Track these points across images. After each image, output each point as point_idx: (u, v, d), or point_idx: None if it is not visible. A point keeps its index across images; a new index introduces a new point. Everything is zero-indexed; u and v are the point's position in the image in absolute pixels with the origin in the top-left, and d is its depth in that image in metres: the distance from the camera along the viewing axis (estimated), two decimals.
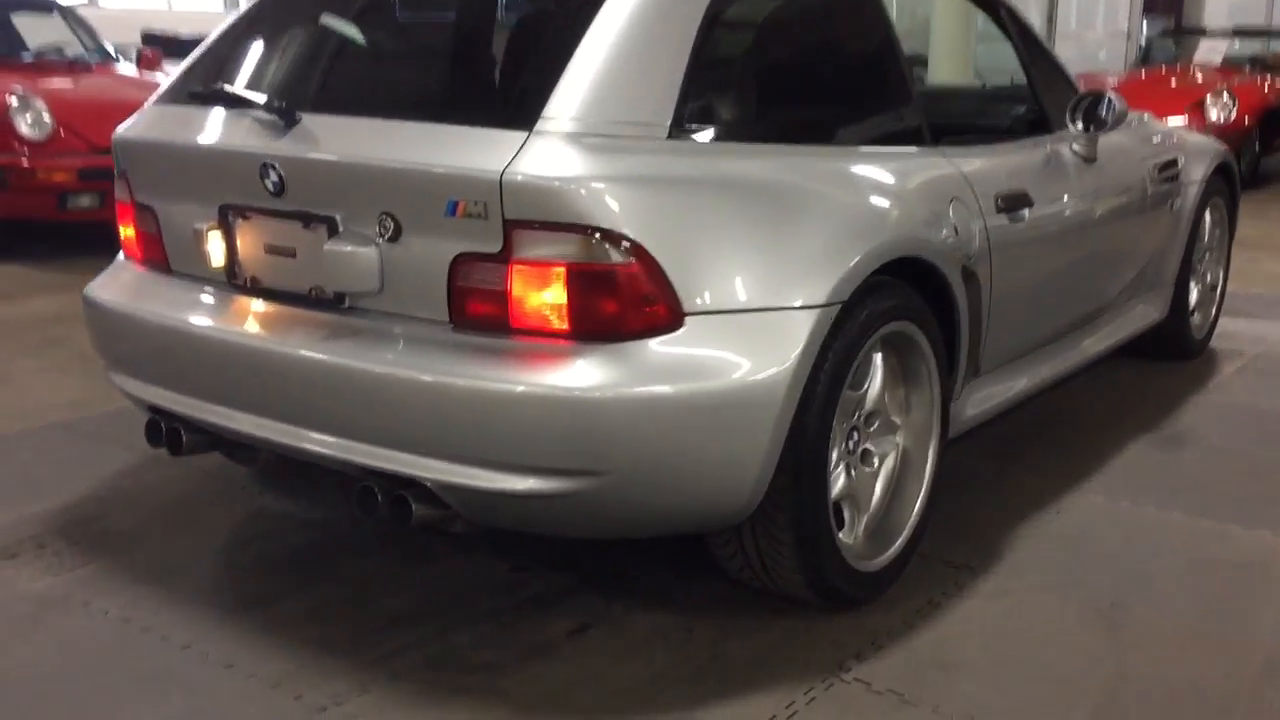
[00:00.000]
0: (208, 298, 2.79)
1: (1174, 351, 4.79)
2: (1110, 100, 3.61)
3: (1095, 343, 4.00)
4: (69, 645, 2.61)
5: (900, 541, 2.85)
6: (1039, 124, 3.72)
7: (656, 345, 2.31)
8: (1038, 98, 3.76)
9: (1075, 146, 3.70)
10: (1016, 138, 3.61)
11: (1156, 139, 4.39)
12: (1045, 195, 3.44)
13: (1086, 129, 3.64)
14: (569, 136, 2.32)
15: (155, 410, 2.86)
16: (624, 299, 2.30)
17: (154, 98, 3.02)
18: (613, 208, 2.28)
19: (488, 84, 2.58)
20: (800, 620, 2.70)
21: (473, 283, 2.38)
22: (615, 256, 2.28)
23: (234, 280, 2.74)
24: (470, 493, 2.36)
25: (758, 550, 2.61)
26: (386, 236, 2.44)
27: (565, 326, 2.32)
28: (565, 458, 2.30)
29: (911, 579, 2.87)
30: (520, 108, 2.39)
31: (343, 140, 2.51)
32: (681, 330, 2.33)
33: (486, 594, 2.83)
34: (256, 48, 3.02)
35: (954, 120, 3.78)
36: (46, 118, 6.73)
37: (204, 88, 2.83)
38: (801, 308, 2.44)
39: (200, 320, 2.74)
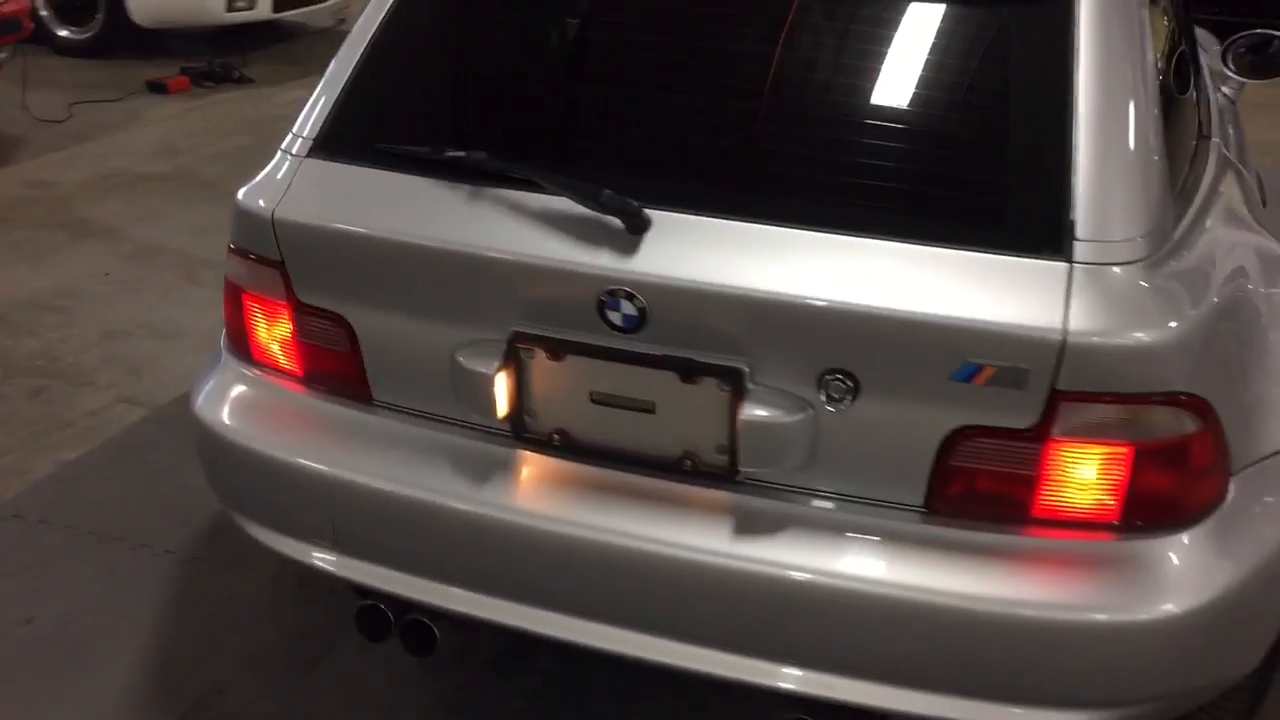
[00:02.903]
0: (471, 452, 1.96)
1: None
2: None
3: None
4: None
5: None
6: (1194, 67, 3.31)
7: (1214, 526, 1.79)
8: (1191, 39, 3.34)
9: (1227, 91, 3.33)
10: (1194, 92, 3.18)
11: None
12: None
13: (1250, 74, 3.26)
14: (1113, 269, 1.69)
15: (369, 593, 2.05)
16: (1189, 476, 1.76)
17: (302, 143, 2.04)
18: (1185, 364, 1.70)
19: (956, 173, 1.82)
20: None
21: (980, 463, 1.75)
22: (1188, 425, 1.72)
23: (526, 433, 1.93)
24: None
25: None
26: (836, 401, 1.75)
27: (1113, 517, 1.75)
28: (1137, 689, 1.78)
29: None
30: (1034, 223, 1.72)
31: (752, 262, 1.74)
32: (1230, 498, 1.83)
33: None
34: (502, 64, 2.09)
35: None
36: None
37: (432, 147, 1.91)
38: None
39: (473, 487, 1.92)
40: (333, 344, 2.03)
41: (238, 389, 2.14)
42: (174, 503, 2.98)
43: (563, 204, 1.82)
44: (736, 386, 1.78)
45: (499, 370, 1.88)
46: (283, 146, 2.07)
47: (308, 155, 2.02)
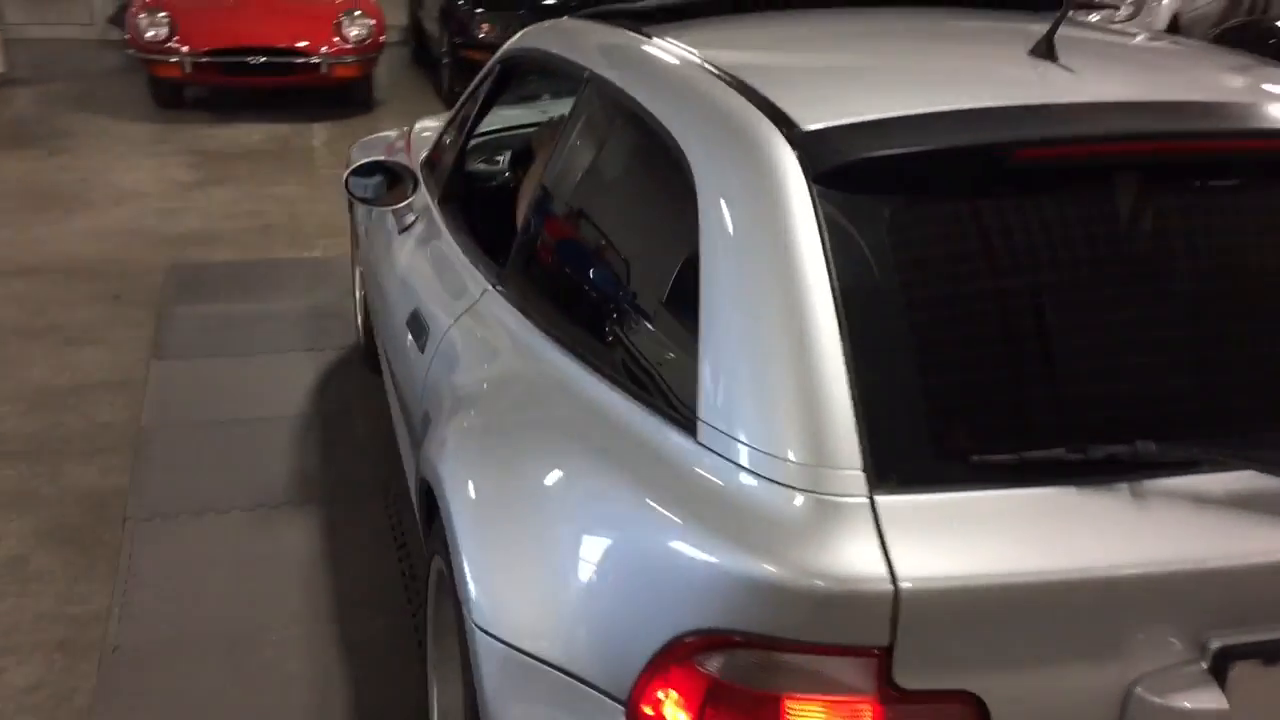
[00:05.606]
0: None
1: None
2: None
3: None
4: None
5: None
6: None
7: None
8: None
9: None
10: None
11: None
12: None
13: None
14: None
15: None
16: None
17: (842, 477, 1.49)
18: None
19: None
20: None
21: None
22: None
23: None
24: None
25: None
26: None
27: None
28: None
29: None
30: None
31: None
32: None
33: None
34: (1131, 309, 1.67)
35: None
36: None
37: (1067, 446, 1.51)
38: None
39: None
40: None
41: None
42: None
43: (1252, 480, 1.54)
44: None
45: (1204, 695, 1.57)
46: (792, 484, 1.50)
47: (874, 494, 1.50)
